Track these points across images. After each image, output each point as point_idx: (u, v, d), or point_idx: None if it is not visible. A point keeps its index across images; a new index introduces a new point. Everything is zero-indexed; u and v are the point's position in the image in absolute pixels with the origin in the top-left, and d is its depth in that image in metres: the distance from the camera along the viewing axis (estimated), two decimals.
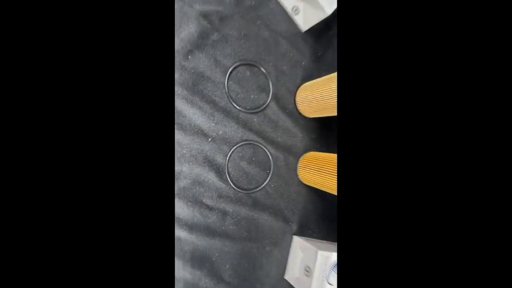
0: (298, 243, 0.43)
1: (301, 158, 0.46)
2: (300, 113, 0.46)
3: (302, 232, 0.46)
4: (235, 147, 0.42)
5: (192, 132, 0.40)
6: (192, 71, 0.40)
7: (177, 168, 0.39)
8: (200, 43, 0.40)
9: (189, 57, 0.40)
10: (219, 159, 0.42)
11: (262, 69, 0.42)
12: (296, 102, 0.45)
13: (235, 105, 0.41)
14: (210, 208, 0.41)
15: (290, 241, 0.45)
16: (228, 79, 0.41)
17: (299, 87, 0.45)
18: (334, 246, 0.42)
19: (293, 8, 0.43)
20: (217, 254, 0.41)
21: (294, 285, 0.42)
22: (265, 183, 0.43)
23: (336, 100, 0.33)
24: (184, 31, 0.39)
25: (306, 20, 0.43)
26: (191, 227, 0.40)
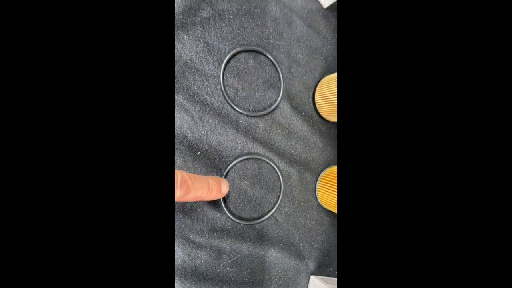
0: (316, 285, 0.37)
1: (321, 175, 0.40)
2: (320, 116, 0.40)
3: (322, 271, 0.39)
4: (233, 163, 0.34)
5: (174, 143, 0.32)
6: (175, 59, 0.32)
7: None
8: (185, 21, 0.32)
9: None
10: None
11: (270, 58, 0.36)
12: (315, 102, 0.40)
13: (233, 105, 0.34)
14: (199, 246, 0.33)
15: (306, 283, 0.38)
16: (224, 70, 0.34)
17: (319, 81, 0.40)
18: None
19: None
20: None
21: None
22: (273, 209, 0.36)
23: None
24: None
25: None
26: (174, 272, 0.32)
